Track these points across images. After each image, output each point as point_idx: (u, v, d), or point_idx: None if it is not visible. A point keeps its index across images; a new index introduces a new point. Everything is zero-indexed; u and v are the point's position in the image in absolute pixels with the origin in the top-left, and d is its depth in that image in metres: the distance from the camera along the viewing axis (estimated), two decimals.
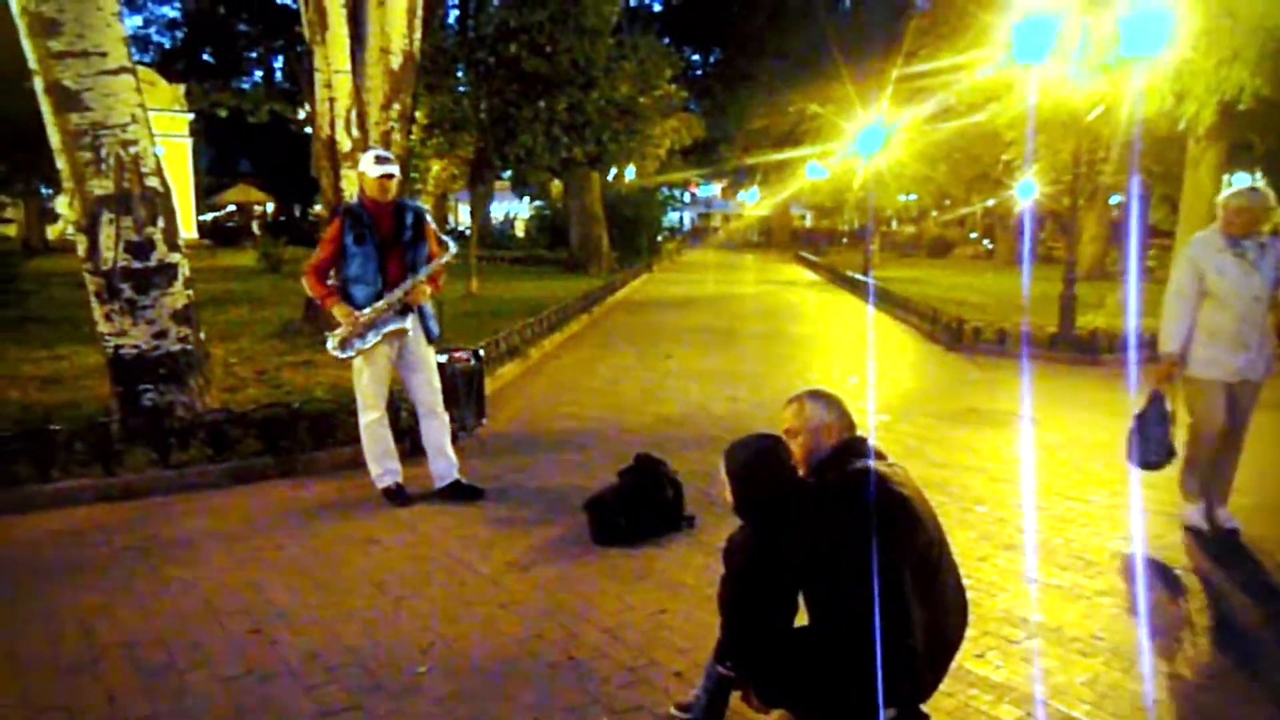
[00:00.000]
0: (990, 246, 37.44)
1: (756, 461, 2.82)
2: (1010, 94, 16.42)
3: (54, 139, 5.76)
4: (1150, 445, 4.70)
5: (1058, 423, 7.54)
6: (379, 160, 5.07)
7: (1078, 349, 10.87)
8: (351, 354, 5.09)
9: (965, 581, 2.86)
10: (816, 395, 2.87)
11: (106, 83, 5.67)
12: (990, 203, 32.63)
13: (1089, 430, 7.28)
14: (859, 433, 2.86)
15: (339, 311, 5.02)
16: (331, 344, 5.09)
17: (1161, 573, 4.31)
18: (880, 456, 2.76)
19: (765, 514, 2.77)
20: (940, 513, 2.83)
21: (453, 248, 5.37)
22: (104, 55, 5.66)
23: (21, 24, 5.59)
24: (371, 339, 5.05)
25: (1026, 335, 11.21)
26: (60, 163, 5.82)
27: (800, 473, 2.83)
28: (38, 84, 5.68)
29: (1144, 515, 5.15)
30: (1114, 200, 27.32)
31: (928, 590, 2.62)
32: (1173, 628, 3.72)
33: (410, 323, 5.14)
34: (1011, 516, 5.10)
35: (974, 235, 43.42)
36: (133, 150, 5.81)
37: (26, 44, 5.62)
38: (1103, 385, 9.33)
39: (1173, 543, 4.69)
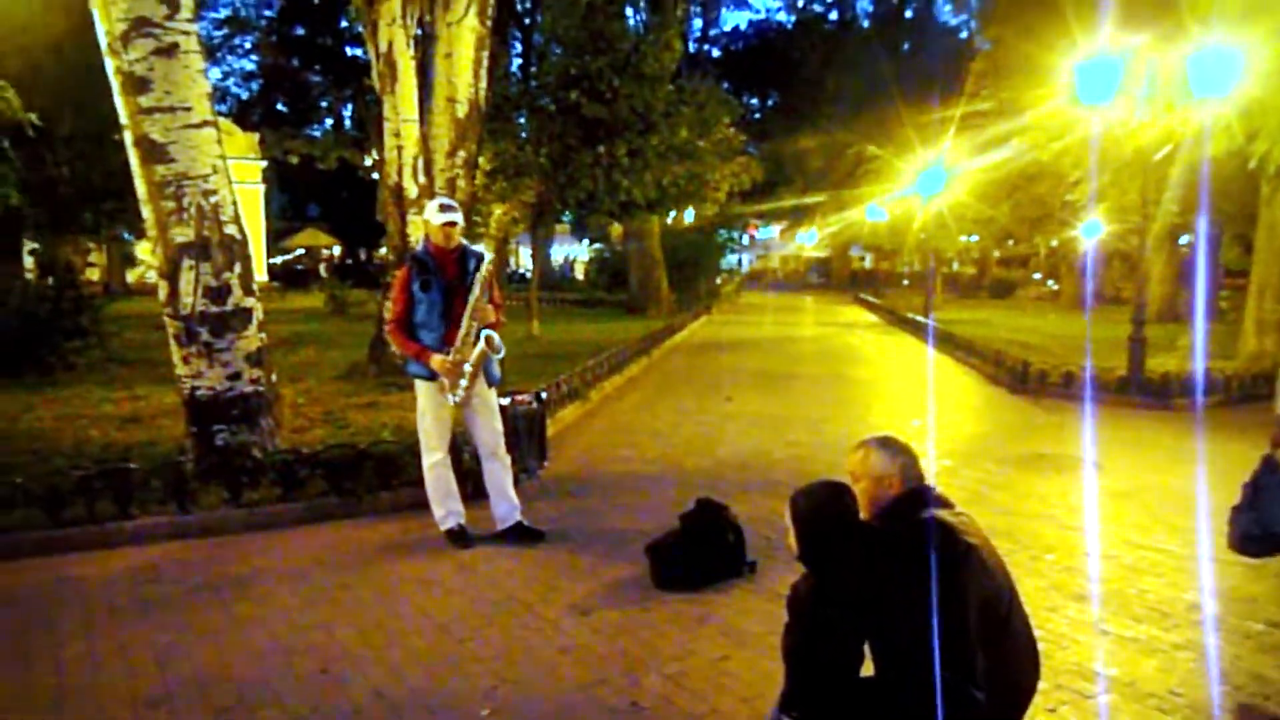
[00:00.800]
0: (1055, 287, 36.78)
1: (822, 508, 2.80)
2: (1073, 134, 16.22)
3: (140, 189, 6.04)
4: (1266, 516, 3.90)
5: (1128, 469, 7.35)
6: (443, 208, 5.20)
7: (1148, 393, 10.59)
8: (461, 395, 5.16)
9: (1035, 632, 2.81)
10: (884, 442, 2.85)
11: (190, 136, 5.94)
12: (1054, 243, 32.14)
13: (1161, 477, 7.08)
14: (926, 481, 2.83)
15: (435, 363, 5.10)
16: (453, 398, 5.16)
17: (1241, 627, 4.15)
18: (947, 505, 2.74)
19: (830, 561, 2.75)
20: (1008, 561, 2.79)
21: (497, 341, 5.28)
22: (189, 110, 5.93)
23: (115, 82, 5.89)
24: (471, 375, 5.12)
25: (1093, 378, 10.97)
26: (145, 211, 6.09)
27: (864, 519, 2.81)
28: (127, 137, 5.98)
29: (1221, 565, 4.98)
30: (1184, 240, 26.68)
31: (997, 641, 2.57)
32: (1256, 684, 3.58)
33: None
34: (1082, 565, 4.98)
35: (1037, 276, 42.70)
36: (213, 199, 6.05)
37: (119, 101, 5.92)
38: (1175, 431, 9.07)
39: (1253, 595, 4.53)
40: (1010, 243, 37.95)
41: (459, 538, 5.32)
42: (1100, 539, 5.50)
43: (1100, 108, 11.02)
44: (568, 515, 5.97)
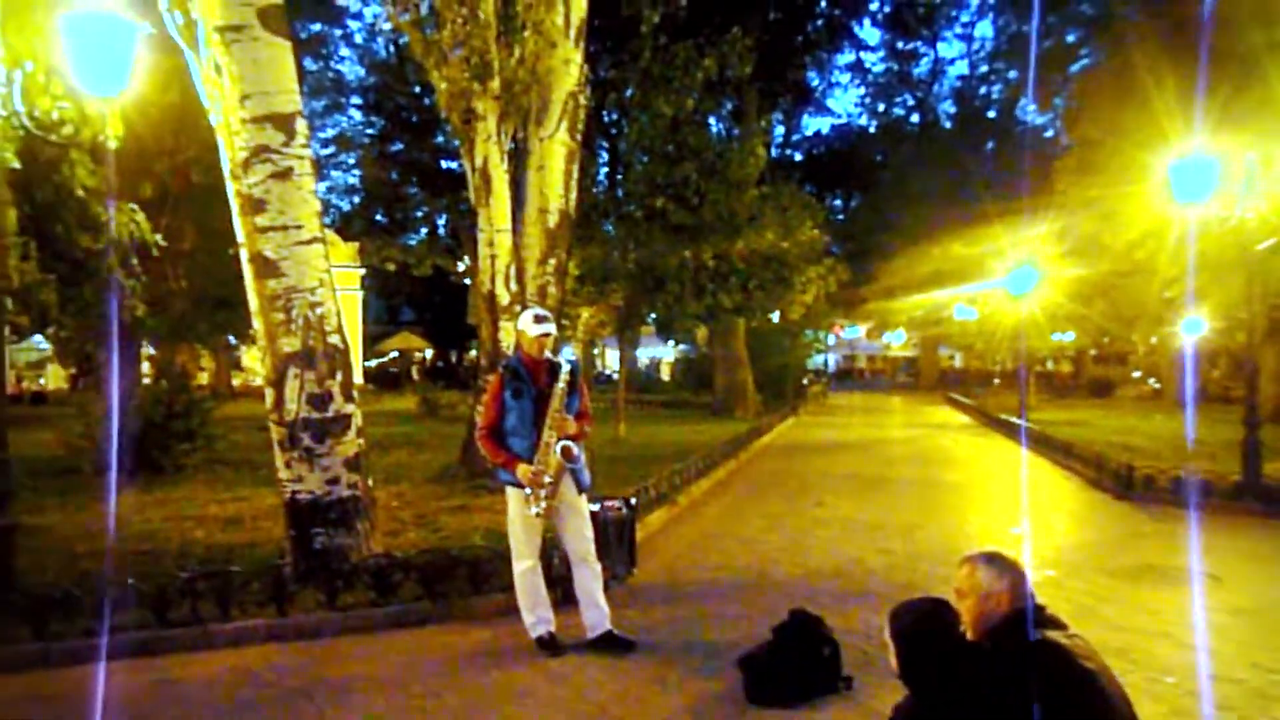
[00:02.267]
0: (1156, 385, 35.45)
1: (923, 624, 2.73)
2: (1169, 230, 15.88)
3: (253, 302, 6.39)
4: None
5: (1248, 582, 6.92)
6: (538, 319, 5.34)
7: (1265, 499, 10.02)
8: (543, 507, 5.21)
9: None
10: (992, 558, 2.77)
11: (301, 252, 6.29)
12: (1154, 340, 31.13)
13: None
14: (1036, 600, 2.73)
15: (521, 473, 5.18)
16: (535, 510, 5.22)
17: None
18: (1059, 625, 2.63)
19: (933, 680, 2.66)
20: (1122, 682, 2.64)
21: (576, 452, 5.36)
22: (300, 228, 6.30)
23: (235, 204, 6.32)
24: (550, 486, 5.18)
25: (1204, 483, 10.43)
26: (256, 322, 6.42)
27: (969, 638, 2.72)
28: (243, 254, 6.36)
29: None
30: None
31: None
32: None
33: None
34: (1205, 689, 4.66)
35: (1137, 374, 41.27)
36: (319, 311, 6.35)
37: (237, 220, 6.33)
38: None
39: None
40: (1106, 340, 36.87)
41: (549, 645, 5.29)
42: (1224, 660, 5.15)
43: (1196, 206, 10.80)
44: (657, 624, 5.88)
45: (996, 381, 47.05)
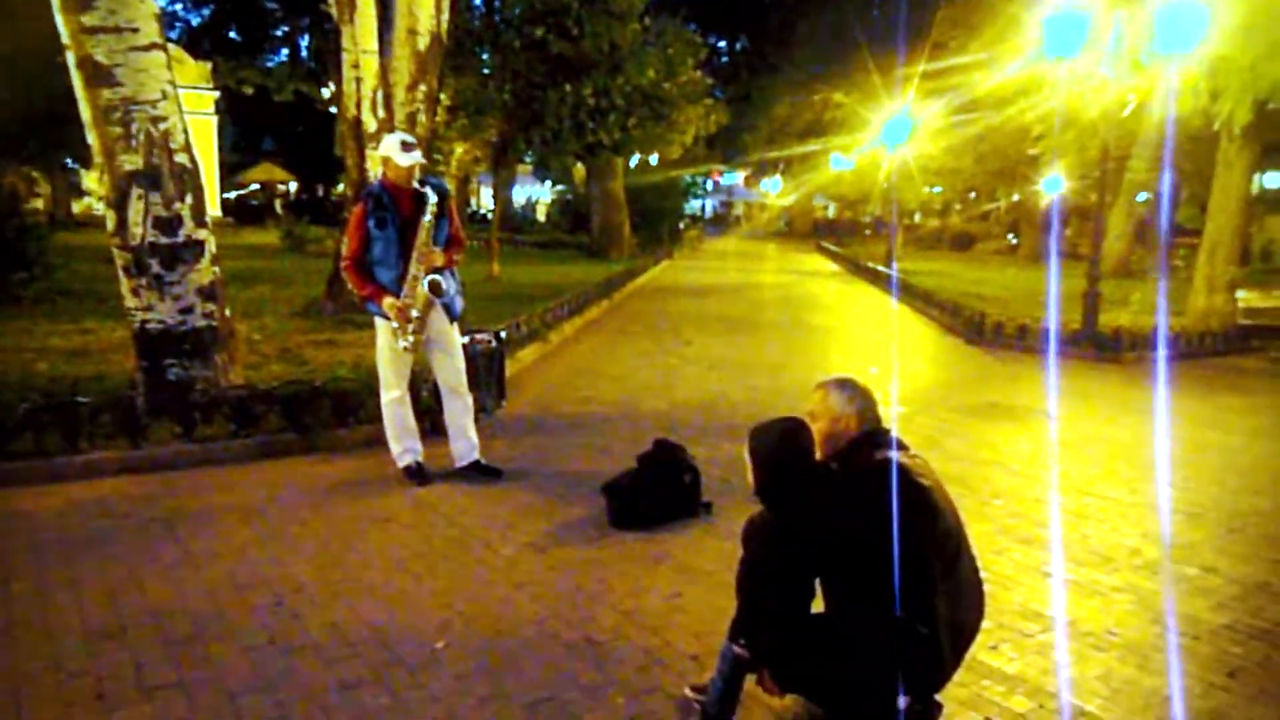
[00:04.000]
0: (1015, 242, 37.13)
1: (780, 443, 2.82)
2: (1039, 88, 16.25)
3: (85, 114, 5.81)
4: None
5: (1078, 419, 7.51)
6: (405, 147, 5.03)
7: (1100, 346, 10.80)
8: (411, 341, 5.09)
9: (982, 574, 2.87)
10: (844, 383, 2.87)
11: (138, 59, 5.71)
12: (1016, 198, 32.36)
13: (1109, 427, 7.25)
14: (884, 424, 2.86)
15: (387, 306, 5.02)
16: (403, 344, 5.09)
17: (1178, 571, 4.29)
18: (903, 448, 2.77)
19: (787, 497, 2.78)
20: (958, 505, 2.84)
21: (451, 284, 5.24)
22: (136, 31, 5.69)
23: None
24: (418, 320, 5.07)
25: (1048, 331, 11.15)
26: (90, 137, 5.87)
27: (821, 459, 2.84)
28: (70, 59, 5.72)
29: (1163, 513, 5.13)
30: (1141, 198, 27.02)
31: (944, 581, 2.63)
32: (1188, 625, 3.71)
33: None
34: (1030, 511, 5.10)
35: (998, 230, 43.05)
36: (162, 126, 5.86)
37: (59, 19, 5.66)
38: (1125, 383, 9.28)
39: (1191, 541, 4.68)
40: (973, 196, 38.16)
41: (416, 474, 5.31)
42: (1048, 486, 5.63)
43: (1067, 62, 11.04)
44: (525, 455, 5.97)
45: (867, 233, 48.35)
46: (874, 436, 2.79)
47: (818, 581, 2.75)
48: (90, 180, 30.79)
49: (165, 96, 5.87)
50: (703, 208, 58.39)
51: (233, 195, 40.91)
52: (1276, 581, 4.21)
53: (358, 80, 9.85)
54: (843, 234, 46.29)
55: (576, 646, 3.39)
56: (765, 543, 2.76)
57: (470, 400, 5.48)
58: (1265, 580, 4.21)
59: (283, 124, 43.38)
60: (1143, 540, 4.68)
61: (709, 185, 53.39)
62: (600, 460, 5.76)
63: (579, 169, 29.79)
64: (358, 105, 9.93)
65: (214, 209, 31.02)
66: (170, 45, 6.32)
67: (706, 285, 19.99)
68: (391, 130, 9.51)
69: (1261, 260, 24.84)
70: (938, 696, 2.77)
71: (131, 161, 5.81)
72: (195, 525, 4.57)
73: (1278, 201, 31.74)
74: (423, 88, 10.36)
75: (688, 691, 3.00)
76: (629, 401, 7.74)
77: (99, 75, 5.66)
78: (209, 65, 31.84)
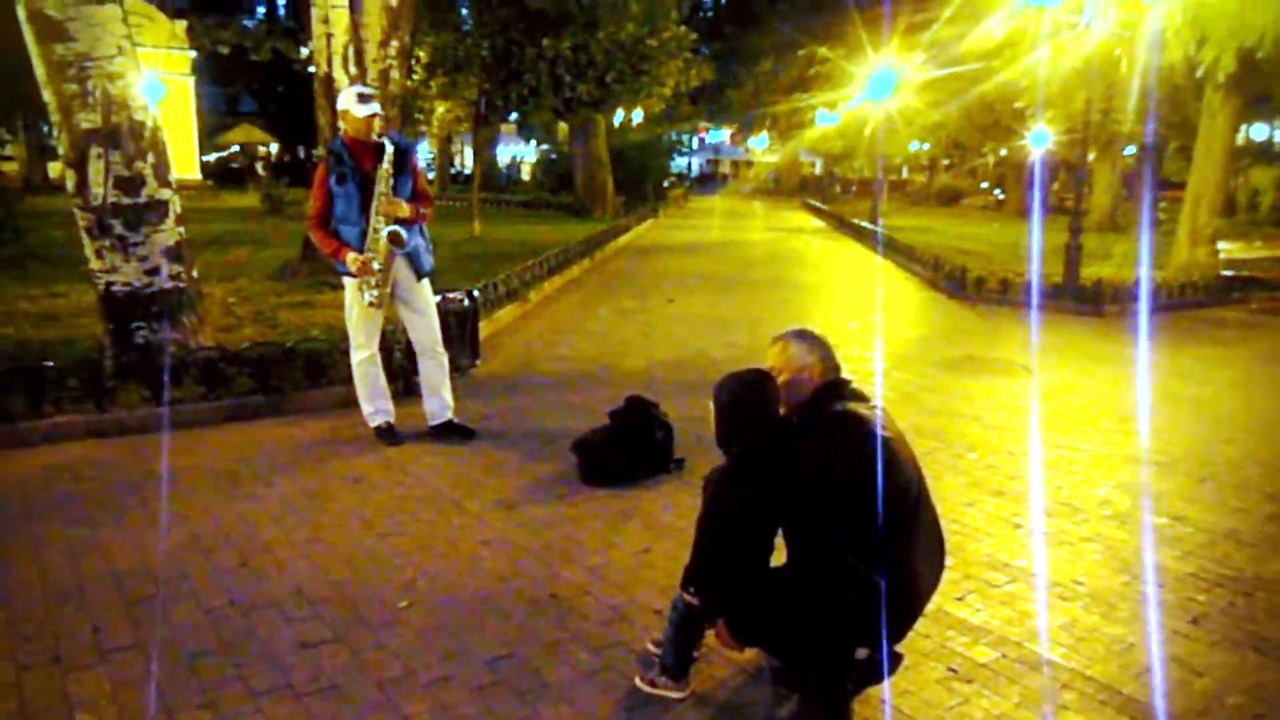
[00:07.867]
0: (1001, 197, 37.05)
1: (742, 393, 2.79)
2: (1025, 40, 16.09)
3: (39, 70, 5.65)
4: None
5: (1055, 372, 7.51)
6: (363, 99, 4.92)
7: (1081, 299, 10.79)
8: (375, 296, 5.02)
9: (951, 526, 2.86)
10: (801, 335, 2.83)
11: (91, 13, 5.55)
12: (1003, 152, 32.20)
13: (1086, 380, 7.25)
14: (843, 375, 2.82)
15: (350, 261, 4.93)
16: (369, 298, 5.02)
17: (1148, 521, 4.30)
18: (862, 399, 2.73)
19: (747, 447, 2.75)
20: (931, 459, 2.82)
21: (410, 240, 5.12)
22: None
23: None
24: (381, 273, 4.99)
25: (1030, 285, 11.12)
26: (46, 94, 5.72)
27: (781, 410, 2.80)
28: (20, 12, 5.56)
29: (1133, 464, 5.14)
30: (1129, 151, 26.91)
31: (904, 533, 2.60)
32: (1155, 574, 3.72)
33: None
34: (1002, 463, 5.09)
35: (985, 185, 42.93)
36: (120, 84, 5.71)
37: None
38: (1104, 336, 9.28)
39: (1161, 491, 4.69)
40: (958, 151, 37.95)
41: (387, 435, 5.27)
42: (1022, 438, 5.63)
43: (1050, 9, 10.90)
44: (499, 414, 5.93)
45: (854, 189, 48.12)
46: (835, 387, 2.75)
47: (779, 536, 2.72)
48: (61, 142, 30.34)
49: (121, 52, 5.71)
50: (689, 166, 57.90)
51: (213, 158, 40.34)
52: (1243, 529, 4.23)
53: (328, 36, 9.65)
54: (828, 190, 46.06)
55: (541, 603, 3.37)
56: (724, 493, 2.72)
57: (445, 359, 5.42)
58: (1233, 528, 4.23)
59: (262, 85, 42.74)
60: (1114, 491, 4.69)
61: (695, 143, 52.97)
62: (575, 418, 5.72)
63: (562, 128, 29.46)
64: (329, 61, 9.74)
65: (194, 172, 30.61)
66: (139, 3, 6.15)
67: (691, 243, 19.87)
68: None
69: (1247, 212, 24.84)
70: (897, 648, 2.76)
71: (89, 120, 5.67)
72: (161, 488, 4.51)
73: (1264, 153, 31.69)
74: (395, 43, 10.13)
75: (650, 646, 2.99)
76: (607, 359, 7.70)
77: (50, 30, 5.50)
78: (184, 25, 31.21)
